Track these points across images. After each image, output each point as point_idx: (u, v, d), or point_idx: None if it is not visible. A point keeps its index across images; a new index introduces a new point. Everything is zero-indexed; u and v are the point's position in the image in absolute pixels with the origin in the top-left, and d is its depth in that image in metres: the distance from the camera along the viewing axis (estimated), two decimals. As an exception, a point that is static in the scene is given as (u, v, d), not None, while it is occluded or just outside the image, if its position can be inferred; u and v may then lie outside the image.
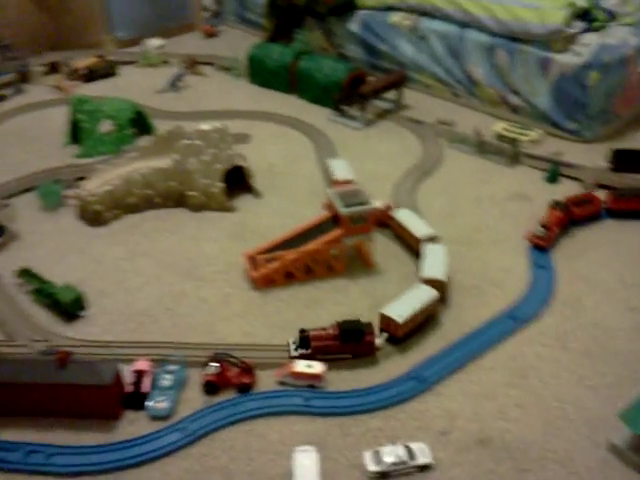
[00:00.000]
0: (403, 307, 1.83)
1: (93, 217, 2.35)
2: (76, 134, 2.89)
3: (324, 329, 1.77)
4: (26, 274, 2.03)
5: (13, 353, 1.76)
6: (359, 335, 1.75)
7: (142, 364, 1.68)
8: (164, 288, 2.05)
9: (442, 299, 1.94)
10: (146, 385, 1.64)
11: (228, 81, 3.71)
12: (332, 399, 1.64)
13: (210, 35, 4.48)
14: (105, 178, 2.40)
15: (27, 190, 2.55)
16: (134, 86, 3.55)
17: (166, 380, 1.66)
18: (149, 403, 1.61)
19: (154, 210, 2.45)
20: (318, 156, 2.85)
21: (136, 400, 1.62)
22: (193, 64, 3.76)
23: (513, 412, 1.62)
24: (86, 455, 1.50)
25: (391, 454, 1.45)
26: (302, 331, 1.76)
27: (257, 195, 2.53)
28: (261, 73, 3.57)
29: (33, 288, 2.00)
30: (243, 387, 1.66)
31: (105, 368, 1.58)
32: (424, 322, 1.88)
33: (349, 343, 1.74)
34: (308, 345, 1.75)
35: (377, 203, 2.18)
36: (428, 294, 1.89)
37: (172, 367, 1.70)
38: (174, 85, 3.53)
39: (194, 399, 1.65)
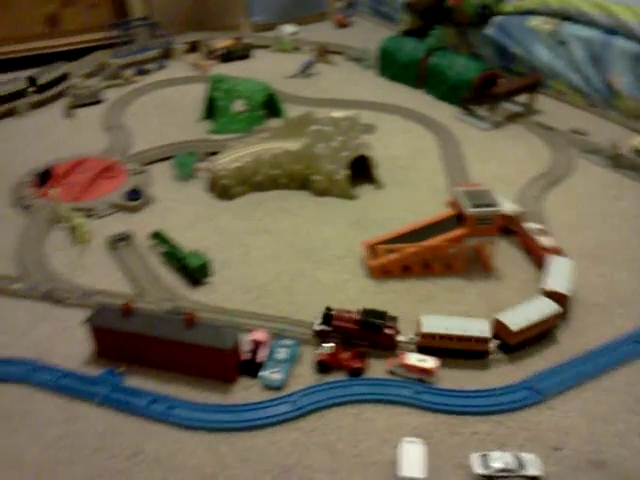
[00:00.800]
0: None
1: (222, 191, 2.46)
2: (211, 111, 3.03)
3: (349, 312, 1.79)
4: (158, 237, 2.16)
5: (142, 308, 1.88)
6: (377, 327, 1.75)
7: (260, 335, 1.75)
8: (283, 266, 2.12)
9: (563, 314, 1.87)
10: (262, 355, 1.70)
11: (357, 71, 3.74)
12: (442, 396, 1.63)
13: (342, 25, 4.53)
14: (236, 155, 2.51)
15: (163, 159, 2.71)
16: (266, 69, 3.67)
17: (281, 353, 1.72)
18: (263, 373, 1.67)
19: (278, 190, 2.53)
20: (442, 153, 2.83)
21: (251, 368, 1.69)
22: (324, 52, 3.83)
23: (634, 440, 1.54)
24: (202, 412, 1.59)
25: (500, 460, 1.43)
26: (328, 309, 1.80)
27: (379, 186, 2.55)
28: (391, 66, 3.57)
29: (164, 251, 2.12)
30: (354, 371, 1.68)
31: (227, 334, 1.66)
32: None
33: (368, 332, 1.75)
34: (330, 322, 1.78)
35: (508, 207, 2.13)
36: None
37: (287, 342, 1.76)
38: (305, 72, 3.61)
39: (305, 375, 1.70)
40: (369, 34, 4.25)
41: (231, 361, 1.65)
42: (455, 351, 1.73)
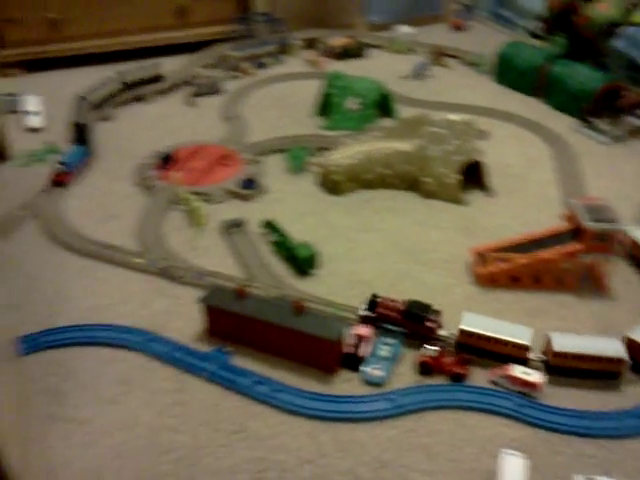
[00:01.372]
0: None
1: (332, 186, 2.51)
2: (325, 107, 3.08)
3: (394, 301, 1.81)
4: (270, 226, 2.24)
5: (253, 293, 1.96)
6: (420, 319, 1.76)
7: (364, 330, 1.78)
8: (389, 264, 2.14)
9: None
10: (365, 350, 1.73)
11: (471, 76, 3.69)
12: (546, 412, 1.59)
13: (458, 28, 4.47)
14: (349, 152, 2.55)
15: (277, 151, 2.80)
16: (380, 69, 3.68)
17: (383, 350, 1.74)
18: (365, 368, 1.70)
19: (387, 190, 2.55)
20: (556, 164, 2.75)
21: (353, 362, 1.72)
22: (439, 55, 3.80)
23: None
24: (305, 399, 1.64)
25: (606, 485, 1.39)
26: (374, 296, 1.84)
27: (490, 193, 2.51)
28: (508, 72, 3.49)
29: (274, 240, 2.20)
30: (456, 376, 1.68)
31: (333, 325, 1.70)
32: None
33: (410, 322, 1.77)
34: (374, 309, 1.81)
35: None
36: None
37: (390, 340, 1.78)
38: (419, 73, 3.60)
39: (405, 375, 1.72)
40: (486, 38, 4.17)
41: (335, 352, 1.69)
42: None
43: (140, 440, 1.56)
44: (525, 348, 1.71)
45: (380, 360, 1.72)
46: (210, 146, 2.80)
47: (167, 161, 2.64)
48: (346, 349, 1.74)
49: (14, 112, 3.11)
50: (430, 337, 1.77)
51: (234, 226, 2.28)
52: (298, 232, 2.23)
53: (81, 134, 2.73)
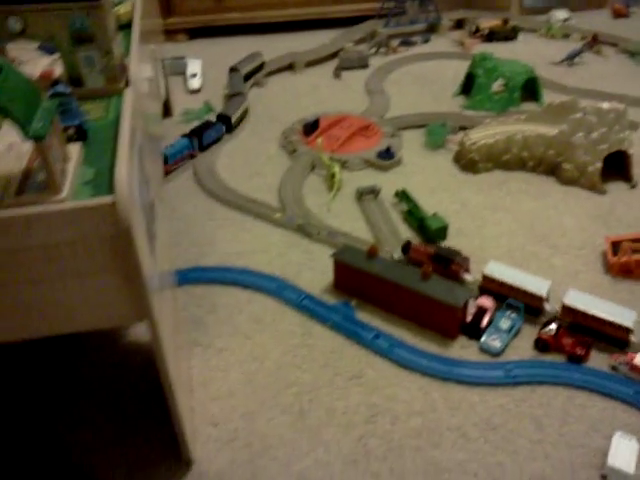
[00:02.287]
0: None
1: (468, 164, 2.54)
2: (468, 87, 3.10)
3: (426, 247, 2.02)
4: (403, 196, 2.33)
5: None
6: (447, 262, 1.94)
7: (486, 301, 1.83)
8: (517, 245, 2.16)
9: None
10: (485, 320, 1.79)
11: (628, 66, 3.52)
12: (666, 404, 1.57)
13: (620, 15, 4.25)
14: (489, 132, 2.56)
15: (416, 127, 2.87)
16: (530, 53, 3.61)
17: (503, 323, 1.79)
18: (483, 338, 1.76)
19: (523, 172, 2.54)
20: None
21: (473, 330, 1.78)
22: (595, 42, 3.65)
23: None
24: (421, 357, 1.73)
25: None
26: (408, 241, 2.06)
27: (633, 185, 2.43)
28: (670, 63, 3.31)
29: (406, 209, 2.29)
30: (575, 357, 1.69)
31: (459, 292, 1.77)
32: None
33: (438, 265, 1.95)
34: (407, 252, 2.04)
35: None
36: None
37: (511, 314, 1.82)
38: (571, 59, 3.49)
39: (523, 349, 1.75)
40: (650, 27, 3.95)
41: (457, 319, 1.76)
42: None
43: (268, 372, 1.73)
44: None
45: (499, 331, 1.77)
46: (352, 117, 2.92)
47: (312, 128, 2.79)
48: (468, 318, 1.81)
49: (179, 74, 3.42)
50: (456, 278, 1.94)
51: (368, 193, 2.39)
52: (429, 205, 2.29)
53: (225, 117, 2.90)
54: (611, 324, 1.72)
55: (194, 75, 3.34)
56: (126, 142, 1.12)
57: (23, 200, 1.00)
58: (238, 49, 3.63)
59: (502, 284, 1.86)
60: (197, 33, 4.00)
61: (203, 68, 3.45)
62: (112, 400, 1.66)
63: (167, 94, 2.97)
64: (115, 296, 1.10)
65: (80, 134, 1.22)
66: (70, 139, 1.18)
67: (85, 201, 1.00)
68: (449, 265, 1.95)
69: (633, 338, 1.72)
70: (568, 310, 1.77)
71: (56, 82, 1.28)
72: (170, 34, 3.90)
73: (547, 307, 1.82)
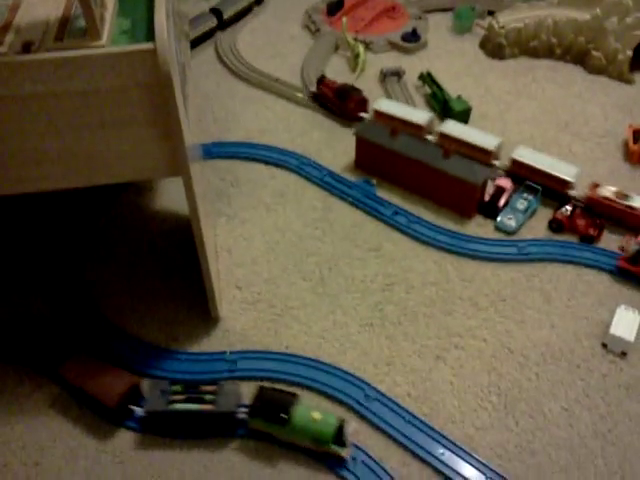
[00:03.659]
0: None
1: (495, 49, 2.49)
2: (500, -31, 2.97)
3: (334, 82, 2.24)
4: (428, 78, 2.30)
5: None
6: (344, 96, 2.16)
7: (504, 182, 1.86)
8: (539, 130, 2.16)
9: None
10: (502, 200, 1.83)
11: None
12: (671, 283, 1.64)
13: None
14: (518, 16, 2.49)
15: (444, 10, 2.78)
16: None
17: (520, 204, 1.83)
18: (499, 217, 1.81)
19: (550, 60, 2.49)
20: None
21: (490, 209, 1.83)
22: None
23: None
24: (438, 233, 1.79)
25: None
26: (322, 75, 2.29)
27: (662, 76, 2.39)
28: None
29: (430, 92, 2.27)
30: (587, 237, 1.74)
31: (479, 170, 1.80)
32: None
33: (339, 100, 2.17)
34: (320, 85, 2.25)
35: None
36: None
37: (528, 195, 1.85)
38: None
39: (537, 229, 1.81)
40: None
41: (475, 197, 1.81)
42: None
43: (290, 242, 1.80)
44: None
45: (515, 211, 1.81)
46: (378, -3, 2.83)
47: (336, 8, 2.72)
48: (485, 197, 1.85)
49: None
50: (353, 117, 2.15)
51: (392, 75, 2.36)
52: (453, 89, 2.27)
53: None
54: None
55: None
56: (162, -6, 1.12)
57: (64, 45, 1.02)
58: None
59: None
60: None
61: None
62: (140, 261, 1.75)
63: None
64: (153, 148, 1.14)
65: (115, -15, 1.22)
66: (105, -10, 1.18)
67: (126, 46, 1.02)
68: (345, 100, 2.15)
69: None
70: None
71: None
72: None
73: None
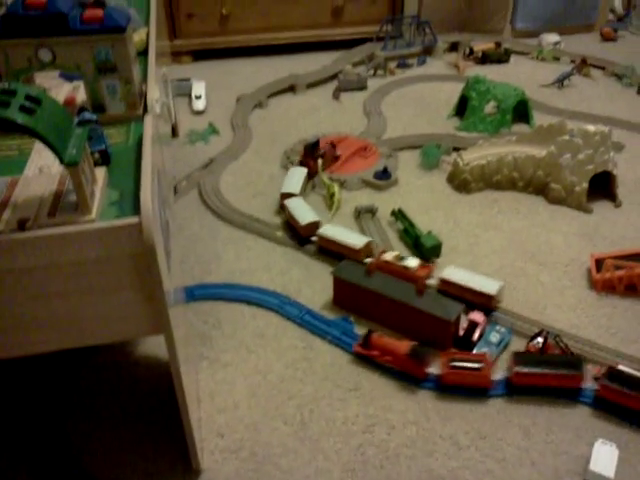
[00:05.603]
0: None
1: (461, 184, 2.66)
2: (462, 109, 3.22)
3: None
4: (399, 214, 2.44)
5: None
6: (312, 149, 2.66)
7: (477, 316, 1.93)
8: (507, 262, 2.26)
9: None
10: (476, 334, 1.89)
11: (615, 88, 3.65)
12: None
13: (607, 39, 4.39)
14: (481, 153, 2.68)
15: (412, 147, 2.99)
16: (521, 76, 3.75)
17: (493, 336, 1.89)
18: (475, 350, 1.86)
19: (513, 192, 2.66)
20: (695, 184, 2.71)
21: (465, 343, 1.88)
22: (583, 65, 3.78)
23: None
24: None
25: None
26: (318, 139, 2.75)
27: (617, 204, 2.55)
28: (655, 86, 3.44)
29: (402, 228, 2.40)
30: (559, 368, 1.79)
31: (452, 307, 1.87)
32: None
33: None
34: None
35: None
36: None
37: (501, 328, 1.92)
38: (560, 82, 3.62)
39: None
40: (637, 50, 4.09)
41: (449, 332, 1.87)
42: None
43: (271, 384, 1.83)
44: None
45: (489, 345, 1.87)
46: (351, 138, 3.04)
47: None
48: (460, 332, 1.91)
49: (183, 95, 3.54)
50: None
51: (366, 212, 2.50)
52: (424, 224, 2.40)
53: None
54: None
55: (199, 97, 3.46)
56: (149, 166, 1.24)
57: (56, 220, 1.11)
58: (241, 71, 3.76)
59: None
60: (201, 55, 4.13)
61: (207, 89, 3.57)
62: (120, 412, 1.76)
63: (175, 116, 3.09)
64: (136, 310, 1.20)
65: (104, 158, 1.34)
66: (96, 163, 1.30)
67: (114, 221, 1.11)
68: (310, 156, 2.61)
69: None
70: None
71: (82, 109, 1.40)
72: (175, 56, 4.02)
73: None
